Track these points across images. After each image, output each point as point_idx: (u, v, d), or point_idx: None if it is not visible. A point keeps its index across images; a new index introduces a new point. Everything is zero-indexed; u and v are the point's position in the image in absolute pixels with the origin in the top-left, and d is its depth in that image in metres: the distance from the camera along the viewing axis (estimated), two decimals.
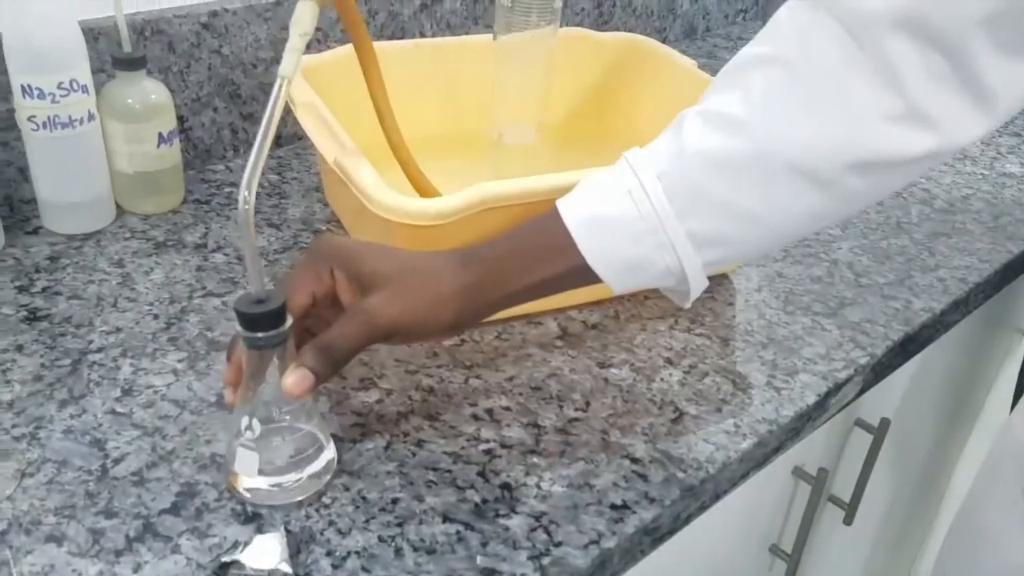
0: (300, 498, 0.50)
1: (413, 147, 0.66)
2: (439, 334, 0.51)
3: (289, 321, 0.46)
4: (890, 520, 1.10)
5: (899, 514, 1.12)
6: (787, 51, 0.50)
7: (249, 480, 0.49)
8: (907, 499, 1.11)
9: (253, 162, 0.44)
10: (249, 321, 0.45)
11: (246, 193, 0.44)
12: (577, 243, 0.50)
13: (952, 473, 1.19)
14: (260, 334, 0.45)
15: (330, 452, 0.51)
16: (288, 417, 0.49)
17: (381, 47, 0.64)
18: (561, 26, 0.93)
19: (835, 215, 0.52)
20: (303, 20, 0.50)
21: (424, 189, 0.66)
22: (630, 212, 0.50)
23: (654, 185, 0.50)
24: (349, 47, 0.77)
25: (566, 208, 0.51)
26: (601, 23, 1.12)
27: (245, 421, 0.48)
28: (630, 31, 1.05)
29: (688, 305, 0.57)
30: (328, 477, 0.51)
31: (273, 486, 0.49)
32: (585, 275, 0.52)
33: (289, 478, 0.49)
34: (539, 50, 0.70)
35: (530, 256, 0.52)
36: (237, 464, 0.49)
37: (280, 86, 0.47)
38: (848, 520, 0.84)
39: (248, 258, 0.45)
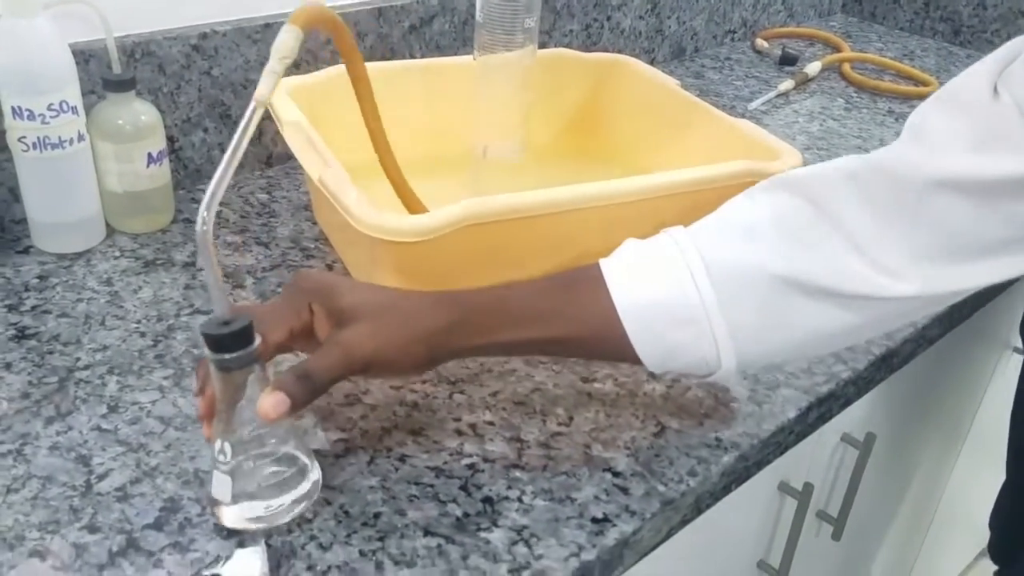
0: (283, 522, 0.50)
1: (402, 165, 0.67)
2: (413, 371, 0.53)
3: (257, 340, 0.46)
4: (880, 536, 1.10)
5: (890, 530, 1.12)
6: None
7: (227, 508, 0.49)
8: (898, 515, 1.11)
9: (215, 184, 0.44)
10: (217, 342, 0.45)
11: (205, 214, 0.44)
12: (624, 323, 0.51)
13: (944, 490, 1.19)
14: (228, 355, 0.45)
15: (314, 474, 0.51)
16: (269, 440, 0.49)
17: (370, 68, 0.65)
18: (549, 47, 0.94)
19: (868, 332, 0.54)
20: (285, 46, 0.50)
21: (413, 206, 0.67)
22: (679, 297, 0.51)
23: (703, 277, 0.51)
24: (337, 68, 0.78)
25: (614, 283, 0.52)
26: (589, 44, 1.13)
27: (218, 445, 0.48)
28: (619, 52, 1.07)
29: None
30: (313, 500, 0.51)
31: (253, 512, 0.49)
32: (612, 349, 0.52)
33: (271, 503, 0.49)
34: (518, 69, 0.71)
35: (537, 312, 0.52)
36: (214, 489, 0.49)
37: (253, 110, 0.46)
38: (836, 536, 0.84)
39: (210, 280, 0.45)
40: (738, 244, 0.52)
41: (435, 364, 0.53)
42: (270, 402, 0.46)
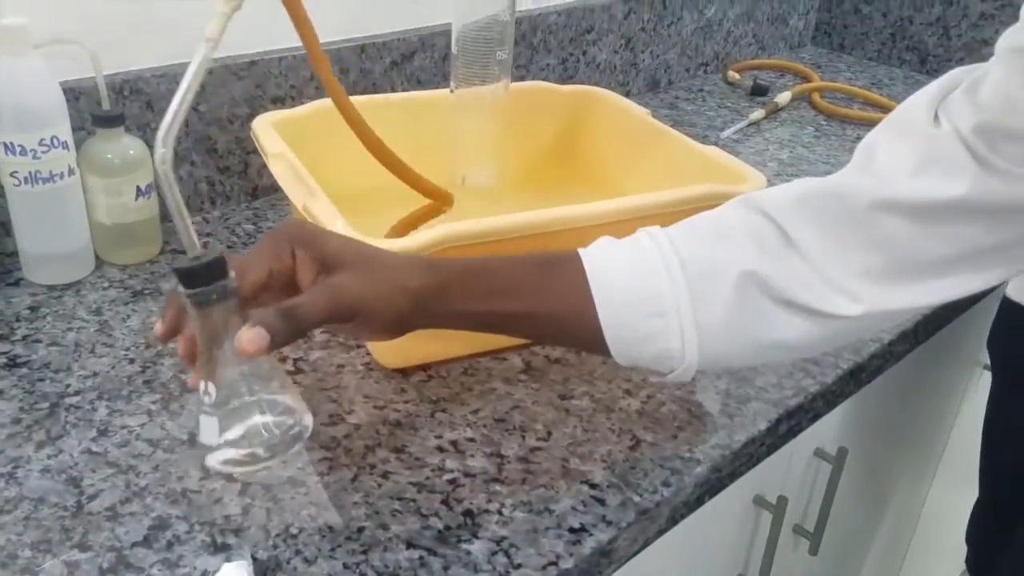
0: (272, 463, 0.48)
1: (384, 195, 0.69)
2: (392, 327, 0.51)
3: (232, 275, 0.45)
4: (861, 552, 1.11)
5: (870, 547, 1.13)
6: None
7: (214, 452, 0.47)
8: (878, 531, 1.13)
9: (171, 117, 0.43)
10: (189, 276, 0.44)
11: (163, 150, 0.42)
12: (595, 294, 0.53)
13: (923, 506, 1.21)
14: (202, 288, 0.44)
15: (305, 419, 0.49)
16: (254, 384, 0.48)
17: (352, 101, 0.67)
18: (526, 80, 0.98)
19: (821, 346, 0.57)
20: None
21: (434, 192, 0.69)
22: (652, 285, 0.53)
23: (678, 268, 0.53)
24: (321, 102, 0.81)
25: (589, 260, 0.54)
26: (566, 78, 1.17)
27: (202, 386, 0.46)
28: (595, 85, 1.10)
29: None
30: (301, 443, 0.49)
31: (240, 456, 0.47)
32: (575, 328, 0.54)
33: (258, 449, 0.47)
34: (492, 100, 0.74)
35: (516, 286, 0.54)
36: (201, 433, 0.47)
37: (205, 48, 0.45)
38: (813, 551, 0.86)
39: (175, 216, 0.43)
40: (710, 242, 0.54)
41: (411, 326, 0.52)
42: (249, 336, 0.44)
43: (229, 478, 0.55)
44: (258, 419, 0.48)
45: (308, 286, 0.49)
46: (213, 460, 0.48)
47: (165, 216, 0.85)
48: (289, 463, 0.57)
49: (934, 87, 0.53)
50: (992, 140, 0.48)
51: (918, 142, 0.51)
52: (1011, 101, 0.48)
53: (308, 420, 0.49)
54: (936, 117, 0.51)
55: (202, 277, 0.44)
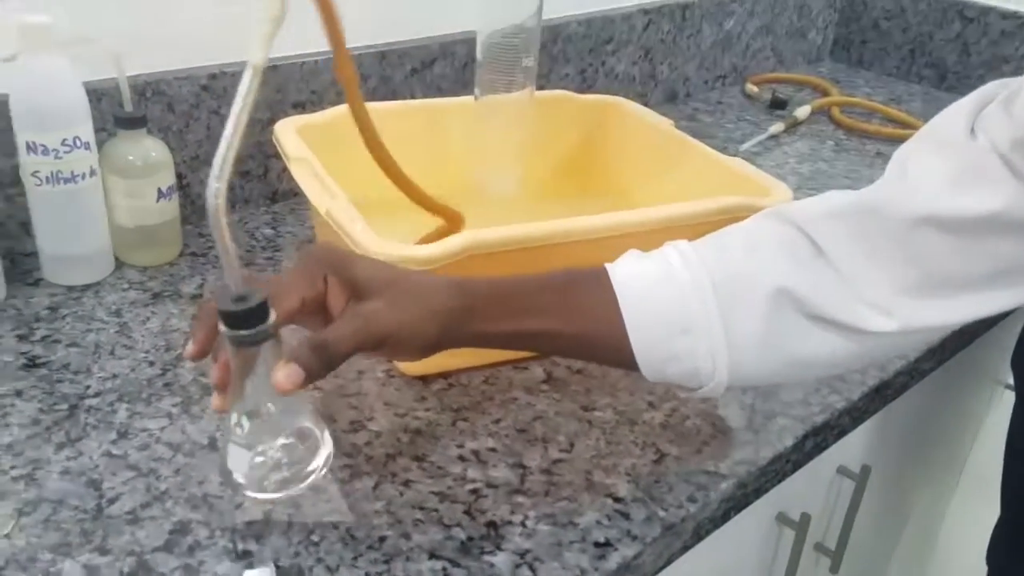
0: (297, 491, 0.49)
1: (406, 200, 0.69)
2: (420, 351, 0.52)
3: (272, 315, 0.45)
4: (880, 571, 1.10)
5: (890, 565, 1.12)
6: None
7: (242, 477, 0.48)
8: (897, 550, 1.12)
9: (223, 152, 0.43)
10: (233, 319, 0.44)
11: (216, 185, 0.42)
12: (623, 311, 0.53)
13: (942, 525, 1.20)
14: (244, 331, 0.44)
15: (327, 448, 0.50)
16: (284, 414, 0.49)
17: (373, 108, 0.67)
18: (545, 90, 0.97)
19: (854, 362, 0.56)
20: (271, 2, 0.44)
21: (445, 212, 0.68)
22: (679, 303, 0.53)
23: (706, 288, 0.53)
24: (343, 107, 0.81)
25: (617, 278, 0.54)
26: (585, 88, 1.17)
27: (235, 418, 0.47)
28: (613, 95, 1.10)
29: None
30: (325, 471, 0.50)
31: (267, 484, 0.48)
32: (605, 345, 0.54)
33: (285, 475, 0.48)
34: (517, 109, 0.74)
35: (545, 305, 0.53)
36: (230, 461, 0.48)
37: (251, 77, 0.44)
38: (834, 569, 0.84)
39: (222, 253, 0.43)
40: (740, 257, 0.54)
41: (440, 348, 0.52)
42: (284, 373, 0.45)
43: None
44: (284, 451, 0.48)
45: (338, 312, 0.50)
46: (247, 490, 0.48)
47: (185, 220, 0.84)
48: (318, 491, 0.56)
49: (969, 100, 0.52)
50: None
51: (954, 156, 0.50)
52: None
53: (330, 448, 0.50)
54: (972, 131, 0.51)
55: (246, 320, 0.45)
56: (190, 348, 0.48)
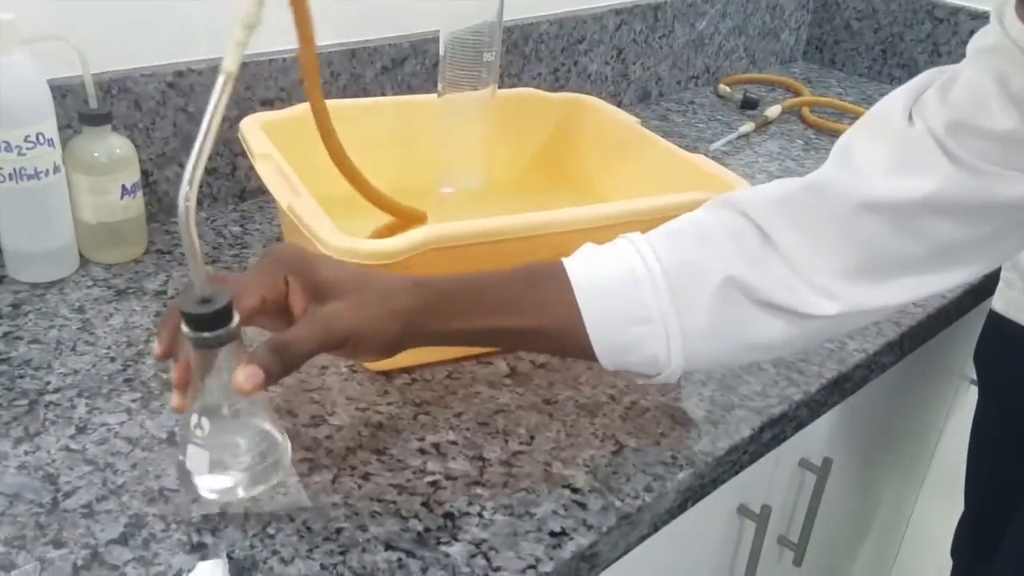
0: (255, 492, 0.49)
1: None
2: (383, 350, 0.52)
3: (236, 319, 0.46)
4: (847, 565, 1.11)
5: (856, 559, 1.13)
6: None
7: (200, 481, 0.48)
8: (864, 544, 1.13)
9: (195, 158, 0.43)
10: (196, 321, 0.44)
11: (187, 188, 0.43)
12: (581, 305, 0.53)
13: (909, 520, 1.21)
14: (207, 334, 0.45)
15: (285, 447, 0.50)
16: (243, 414, 0.49)
17: (341, 104, 0.67)
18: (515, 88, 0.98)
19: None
20: (247, 11, 0.45)
21: (401, 212, 0.68)
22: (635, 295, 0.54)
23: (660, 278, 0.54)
24: (307, 104, 0.81)
25: (573, 270, 0.54)
26: (557, 87, 1.17)
27: (195, 419, 0.47)
28: (586, 95, 1.10)
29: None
30: (282, 472, 0.50)
31: (224, 486, 0.49)
32: (565, 339, 0.54)
33: (242, 477, 0.49)
34: (480, 106, 0.75)
35: (504, 301, 0.54)
36: (189, 462, 0.48)
37: (223, 83, 0.44)
38: (798, 562, 0.85)
39: (189, 256, 0.44)
40: (692, 247, 0.55)
41: (402, 348, 0.52)
42: (245, 375, 0.45)
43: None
44: (244, 451, 0.48)
45: (300, 313, 0.50)
46: (205, 490, 0.49)
47: (151, 217, 0.84)
48: (275, 489, 0.56)
49: (908, 87, 0.53)
50: (963, 137, 0.49)
51: (892, 141, 0.52)
52: (981, 99, 0.48)
53: (288, 451, 0.51)
54: (910, 116, 0.52)
55: (209, 323, 0.45)
56: (156, 349, 0.48)
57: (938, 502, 1.17)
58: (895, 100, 0.53)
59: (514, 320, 0.54)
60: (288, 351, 0.47)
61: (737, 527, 0.77)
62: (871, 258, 0.52)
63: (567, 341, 0.55)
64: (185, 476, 0.49)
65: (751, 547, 0.76)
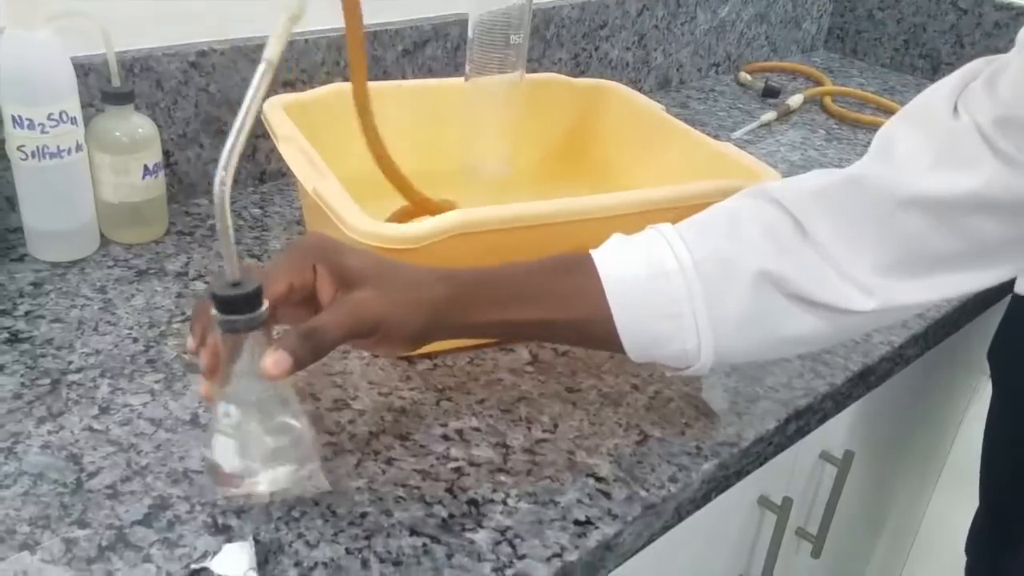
0: (279, 487, 0.49)
1: None
2: (409, 341, 0.52)
3: (265, 304, 0.45)
4: (862, 557, 1.11)
5: (872, 552, 1.13)
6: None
7: (228, 473, 0.48)
8: (880, 537, 1.12)
9: (231, 144, 0.43)
10: (226, 304, 0.44)
11: (223, 173, 0.42)
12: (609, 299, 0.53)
13: (924, 513, 1.21)
14: (237, 317, 0.44)
15: (311, 436, 0.50)
16: (270, 405, 0.48)
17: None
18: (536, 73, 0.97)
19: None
20: (293, 1, 0.45)
21: (435, 209, 0.68)
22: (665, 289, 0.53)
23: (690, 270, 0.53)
24: (332, 86, 0.80)
25: (601, 261, 0.54)
26: (577, 73, 1.16)
27: (223, 407, 0.47)
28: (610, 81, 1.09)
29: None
30: (307, 461, 0.49)
31: (253, 477, 0.48)
32: (593, 330, 0.54)
33: (269, 469, 0.48)
34: (507, 90, 0.74)
35: (530, 294, 0.54)
36: (216, 452, 0.47)
37: (263, 72, 0.44)
38: (816, 554, 0.85)
39: (222, 241, 0.43)
40: (724, 240, 0.54)
41: (428, 339, 0.52)
42: (273, 359, 0.45)
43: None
44: (270, 443, 0.48)
45: (328, 301, 0.49)
46: (232, 480, 0.48)
47: (172, 198, 0.84)
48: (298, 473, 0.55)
49: (954, 78, 0.52)
50: (1010, 133, 0.48)
51: (937, 134, 0.51)
52: None
53: (313, 440, 0.50)
54: (955, 109, 0.51)
55: (240, 306, 0.44)
56: (189, 343, 0.48)
57: (955, 497, 1.16)
58: (940, 91, 0.52)
59: (541, 312, 0.54)
60: (317, 336, 0.47)
61: (757, 518, 0.77)
62: (910, 254, 0.51)
63: (595, 334, 0.54)
64: (212, 466, 0.48)
65: (771, 539, 0.76)
